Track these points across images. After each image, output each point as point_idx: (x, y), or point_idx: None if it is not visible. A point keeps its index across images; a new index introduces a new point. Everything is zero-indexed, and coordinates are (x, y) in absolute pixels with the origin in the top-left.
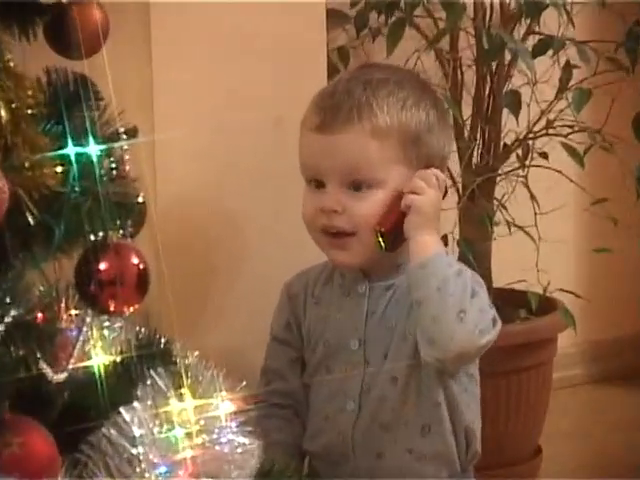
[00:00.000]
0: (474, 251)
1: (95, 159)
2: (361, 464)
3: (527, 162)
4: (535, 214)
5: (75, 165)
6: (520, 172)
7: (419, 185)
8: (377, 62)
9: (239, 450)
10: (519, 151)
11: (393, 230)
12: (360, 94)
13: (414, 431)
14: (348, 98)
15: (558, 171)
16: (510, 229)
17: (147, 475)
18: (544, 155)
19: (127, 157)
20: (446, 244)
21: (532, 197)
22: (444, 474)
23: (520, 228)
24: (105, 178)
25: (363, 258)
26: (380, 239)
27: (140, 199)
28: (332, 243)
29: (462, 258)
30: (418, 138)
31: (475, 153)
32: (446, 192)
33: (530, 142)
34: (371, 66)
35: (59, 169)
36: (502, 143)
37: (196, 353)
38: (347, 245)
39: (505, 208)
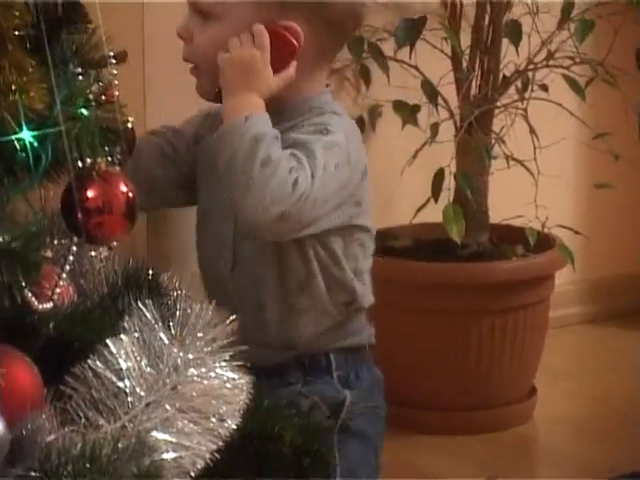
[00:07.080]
0: (471, 185)
1: (83, 84)
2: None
3: (527, 94)
4: (534, 148)
5: (62, 89)
6: (519, 105)
7: (230, 43)
8: None
9: (228, 385)
10: (518, 83)
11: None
12: None
13: (292, 287)
14: None
15: (558, 104)
16: (508, 163)
17: (133, 409)
18: (544, 87)
19: (116, 82)
20: (442, 177)
21: (531, 130)
22: (325, 324)
23: (519, 162)
24: (93, 103)
25: (210, 94)
26: None
27: (129, 125)
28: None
29: (459, 192)
30: None
31: (473, 84)
32: (293, 49)
33: (530, 74)
34: None
35: (46, 93)
36: (501, 74)
37: (183, 289)
38: (197, 76)
39: (503, 142)
